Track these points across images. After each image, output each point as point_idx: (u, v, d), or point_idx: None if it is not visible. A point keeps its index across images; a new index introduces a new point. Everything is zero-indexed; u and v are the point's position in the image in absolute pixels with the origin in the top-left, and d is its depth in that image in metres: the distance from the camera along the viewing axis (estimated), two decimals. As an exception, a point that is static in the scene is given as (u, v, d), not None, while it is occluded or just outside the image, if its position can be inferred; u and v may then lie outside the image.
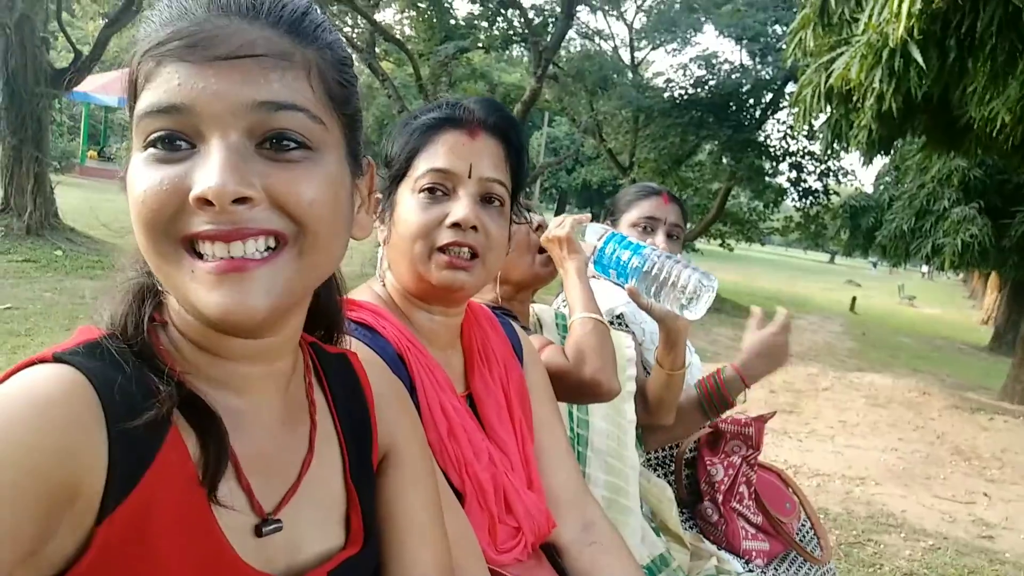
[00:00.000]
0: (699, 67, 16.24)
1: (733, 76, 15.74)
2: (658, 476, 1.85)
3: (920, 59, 3.97)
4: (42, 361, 0.56)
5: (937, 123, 5.51)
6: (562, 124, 29.90)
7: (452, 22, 14.21)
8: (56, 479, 0.50)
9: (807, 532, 1.97)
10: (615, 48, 18.73)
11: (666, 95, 16.27)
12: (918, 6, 3.60)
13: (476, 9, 14.27)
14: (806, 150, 16.38)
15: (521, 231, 1.56)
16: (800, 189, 16.96)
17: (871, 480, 4.80)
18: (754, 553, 1.77)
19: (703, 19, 16.30)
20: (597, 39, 18.15)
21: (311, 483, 0.70)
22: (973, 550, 3.84)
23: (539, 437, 1.19)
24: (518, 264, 1.58)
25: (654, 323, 1.73)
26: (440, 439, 0.99)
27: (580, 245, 1.52)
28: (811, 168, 16.74)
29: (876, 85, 4.23)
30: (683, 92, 16.29)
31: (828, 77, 4.72)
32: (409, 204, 1.05)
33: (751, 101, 15.93)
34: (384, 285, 1.13)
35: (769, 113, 16.12)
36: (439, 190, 1.05)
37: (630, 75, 17.38)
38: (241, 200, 0.56)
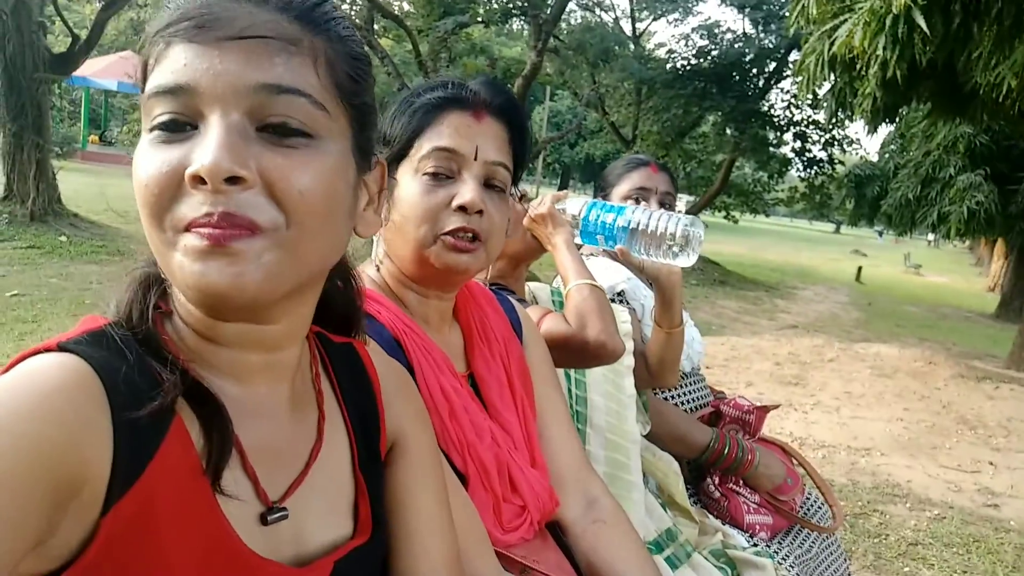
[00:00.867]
0: (701, 37, 16.08)
1: (736, 45, 15.58)
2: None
3: (924, 25, 3.92)
4: (47, 350, 0.56)
5: (942, 89, 5.45)
6: (564, 98, 29.69)
7: (450, -3, 14.05)
8: (62, 470, 0.50)
9: (814, 502, 1.99)
10: (616, 19, 18.52)
11: (668, 66, 16.14)
12: (922, -29, 3.54)
13: (474, -18, 14.10)
14: (810, 119, 16.25)
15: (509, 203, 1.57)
16: (805, 159, 16.86)
17: (876, 451, 4.81)
18: (758, 527, 1.78)
19: (705, -13, 16.10)
20: (598, 10, 17.91)
21: (319, 472, 0.70)
22: (978, 519, 3.86)
23: (541, 415, 1.19)
24: (511, 235, 1.59)
25: (652, 299, 1.74)
26: (442, 421, 0.99)
27: (563, 219, 1.56)
28: (815, 138, 16.63)
29: (880, 52, 4.18)
30: (685, 63, 16.16)
31: (831, 45, 4.67)
32: (412, 186, 1.04)
33: (754, 71, 15.78)
34: (378, 270, 1.12)
35: (773, 82, 15.97)
36: (443, 172, 1.04)
37: (632, 47, 17.20)
38: (234, 180, 0.56)
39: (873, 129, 6.12)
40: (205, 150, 0.56)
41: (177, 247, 0.57)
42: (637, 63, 15.60)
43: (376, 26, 14.32)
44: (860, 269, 20.41)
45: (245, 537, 0.61)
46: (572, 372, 1.58)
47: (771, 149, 16.49)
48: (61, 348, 0.56)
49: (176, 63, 0.58)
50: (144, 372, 0.58)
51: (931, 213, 11.72)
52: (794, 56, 13.77)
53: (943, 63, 4.64)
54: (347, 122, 0.65)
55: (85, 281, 6.84)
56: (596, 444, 1.53)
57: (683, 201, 2.10)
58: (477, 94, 1.07)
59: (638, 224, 1.50)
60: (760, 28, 15.45)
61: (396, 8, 15.07)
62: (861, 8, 4.29)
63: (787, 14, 6.55)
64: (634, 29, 18.16)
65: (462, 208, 1.02)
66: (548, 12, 12.54)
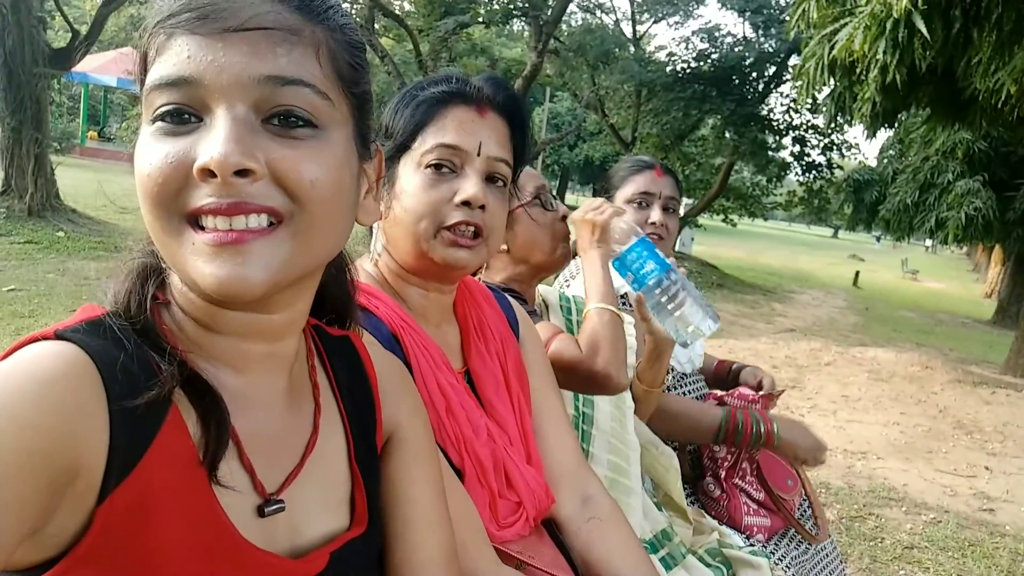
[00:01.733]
0: (701, 40, 16.12)
1: (736, 49, 15.62)
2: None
3: (924, 29, 3.93)
4: (44, 338, 0.56)
5: (941, 95, 5.46)
6: (564, 99, 29.67)
7: (451, -3, 14.06)
8: (58, 457, 0.50)
9: (806, 509, 1.99)
10: (616, 22, 18.57)
11: (668, 69, 16.16)
12: (922, -24, 3.55)
13: (475, -17, 14.11)
14: (809, 124, 16.30)
15: (548, 217, 1.57)
16: (803, 163, 16.89)
17: (873, 454, 4.82)
18: (755, 528, 1.78)
19: (705, -9, 16.16)
20: (598, 12, 17.97)
21: (315, 465, 0.70)
22: (974, 523, 3.86)
23: (537, 412, 1.19)
24: (543, 248, 1.58)
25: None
26: (438, 417, 0.99)
27: (612, 236, 1.52)
28: (814, 142, 16.67)
29: (880, 57, 4.19)
30: (685, 66, 16.18)
31: (831, 49, 4.67)
32: (414, 180, 1.04)
33: (754, 74, 15.82)
34: (376, 264, 1.12)
35: (772, 86, 16.02)
36: (446, 167, 1.04)
37: (632, 49, 17.24)
38: (243, 172, 0.56)
39: (872, 134, 6.12)
40: (213, 143, 0.56)
41: (185, 240, 0.57)
42: (637, 65, 15.63)
43: (377, 25, 14.33)
44: (857, 274, 20.45)
45: (242, 528, 0.61)
46: None
47: (770, 153, 16.53)
48: (59, 336, 0.56)
49: (179, 55, 0.57)
50: (141, 362, 0.57)
51: (929, 218, 11.75)
52: (794, 60, 13.80)
53: (943, 68, 4.65)
54: (348, 110, 0.65)
55: (82, 276, 6.83)
56: (600, 446, 1.52)
57: (682, 204, 2.09)
58: (480, 90, 1.07)
59: (670, 288, 1.48)
60: (760, 32, 15.49)
61: (397, 7, 15.08)
62: (861, 12, 4.29)
63: (787, 18, 6.56)
64: (634, 31, 18.20)
65: (465, 203, 1.02)
66: (549, 13, 12.56)
